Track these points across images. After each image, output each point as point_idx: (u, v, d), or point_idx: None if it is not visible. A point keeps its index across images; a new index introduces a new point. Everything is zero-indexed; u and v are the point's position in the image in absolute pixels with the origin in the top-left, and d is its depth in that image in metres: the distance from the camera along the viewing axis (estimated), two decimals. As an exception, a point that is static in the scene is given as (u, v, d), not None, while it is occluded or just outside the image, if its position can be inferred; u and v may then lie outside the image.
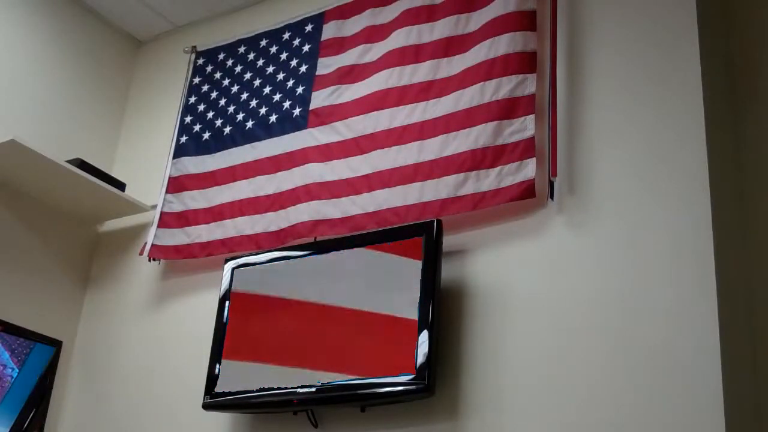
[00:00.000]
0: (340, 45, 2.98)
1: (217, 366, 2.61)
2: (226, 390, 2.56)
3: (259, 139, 3.01)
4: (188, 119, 3.26)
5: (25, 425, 2.88)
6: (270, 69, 3.13)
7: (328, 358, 2.41)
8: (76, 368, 3.18)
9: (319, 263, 2.56)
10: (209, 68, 3.32)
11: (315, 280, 2.54)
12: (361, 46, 2.91)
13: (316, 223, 2.71)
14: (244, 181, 2.96)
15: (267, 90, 3.09)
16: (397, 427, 2.35)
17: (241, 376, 2.55)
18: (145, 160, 3.42)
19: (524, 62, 2.51)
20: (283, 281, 2.61)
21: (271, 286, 2.63)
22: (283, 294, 2.59)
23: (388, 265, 2.41)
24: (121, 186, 3.18)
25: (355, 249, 2.49)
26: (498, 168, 2.42)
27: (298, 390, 2.42)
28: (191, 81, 3.35)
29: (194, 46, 3.42)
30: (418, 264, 2.35)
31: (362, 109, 2.79)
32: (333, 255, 2.54)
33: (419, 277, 2.34)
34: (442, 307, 2.35)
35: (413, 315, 2.30)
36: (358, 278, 2.46)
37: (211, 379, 2.61)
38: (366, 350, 2.36)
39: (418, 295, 2.32)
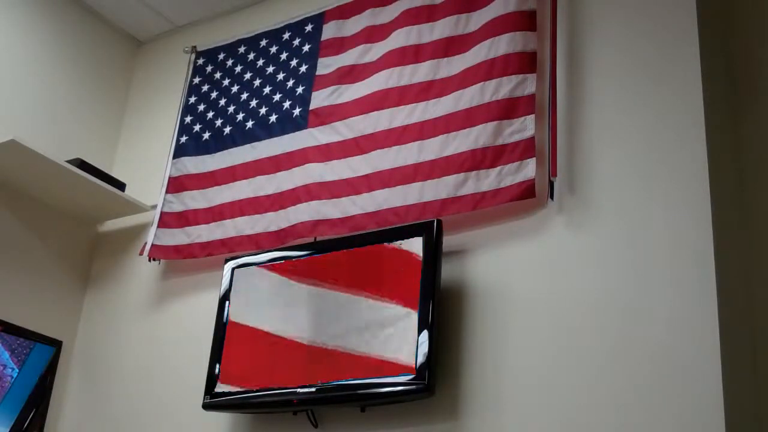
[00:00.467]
0: (340, 45, 2.98)
1: (217, 366, 2.61)
2: (226, 390, 2.56)
3: (259, 139, 3.00)
4: (188, 119, 3.26)
5: (25, 425, 2.88)
6: (270, 69, 3.13)
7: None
8: (76, 368, 3.18)
9: (315, 293, 2.54)
10: (209, 68, 3.32)
11: (311, 315, 2.51)
12: (361, 46, 2.91)
13: (316, 223, 2.71)
14: (244, 181, 2.96)
15: (267, 90, 3.09)
16: (397, 427, 2.35)
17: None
18: (145, 160, 3.42)
19: (524, 62, 2.51)
20: (279, 313, 2.57)
21: (268, 319, 2.59)
22: (279, 331, 2.55)
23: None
24: (121, 186, 3.18)
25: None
26: (498, 168, 2.42)
27: (298, 390, 2.42)
28: (191, 81, 3.35)
29: (194, 46, 3.42)
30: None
31: (362, 109, 2.79)
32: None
33: (419, 277, 2.34)
34: (442, 307, 2.35)
35: (411, 361, 2.28)
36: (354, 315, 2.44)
37: (211, 379, 2.61)
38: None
39: (418, 295, 2.32)
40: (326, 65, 2.97)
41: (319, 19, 3.08)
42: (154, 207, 3.16)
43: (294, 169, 2.85)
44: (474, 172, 2.45)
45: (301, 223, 2.75)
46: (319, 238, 2.69)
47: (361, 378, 2.33)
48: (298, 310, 2.53)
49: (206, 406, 2.59)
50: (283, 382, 2.46)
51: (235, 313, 2.66)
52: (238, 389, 2.53)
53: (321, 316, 2.48)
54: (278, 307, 2.58)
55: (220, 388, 2.57)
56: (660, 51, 2.35)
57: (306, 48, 3.06)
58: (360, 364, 2.35)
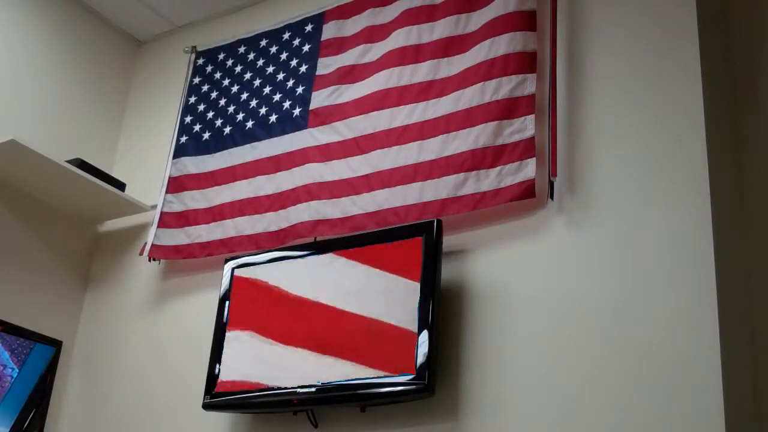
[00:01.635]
0: (340, 45, 2.98)
1: (217, 366, 2.61)
2: (226, 390, 2.56)
3: (259, 139, 3.00)
4: (188, 119, 3.26)
5: (25, 425, 2.88)
6: (270, 69, 3.13)
7: (329, 343, 2.42)
8: (76, 368, 3.18)
9: (318, 264, 2.57)
10: (209, 68, 3.32)
11: (315, 280, 2.55)
12: (361, 46, 2.91)
13: (316, 223, 2.71)
14: (244, 181, 2.96)
15: (267, 90, 3.09)
16: (397, 427, 2.35)
17: (243, 350, 2.57)
18: (145, 160, 3.42)
19: (524, 62, 2.50)
20: (283, 277, 2.62)
21: (273, 278, 2.64)
22: (284, 287, 2.60)
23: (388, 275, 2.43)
24: (121, 186, 3.18)
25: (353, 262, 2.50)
26: (498, 168, 2.42)
27: (298, 390, 2.42)
28: (191, 81, 3.35)
29: (194, 46, 3.42)
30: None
31: (362, 109, 2.79)
32: (330, 257, 2.55)
33: (419, 277, 2.34)
34: (442, 307, 2.35)
35: (413, 327, 2.30)
36: (358, 280, 2.47)
37: (211, 379, 2.61)
38: (367, 341, 2.38)
39: (418, 296, 2.32)
40: (326, 65, 2.97)
41: (319, 19, 3.08)
42: (154, 207, 3.16)
43: (294, 169, 2.85)
44: (474, 172, 2.45)
45: (301, 223, 2.75)
46: (319, 238, 2.69)
47: (361, 378, 2.33)
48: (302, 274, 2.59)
49: (206, 406, 2.59)
50: (289, 335, 2.51)
51: (241, 270, 2.72)
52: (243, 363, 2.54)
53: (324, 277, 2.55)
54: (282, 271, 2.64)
55: (230, 334, 2.62)
56: (660, 51, 2.35)
57: (306, 48, 3.06)
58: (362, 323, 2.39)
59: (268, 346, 2.53)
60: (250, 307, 2.64)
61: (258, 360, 2.54)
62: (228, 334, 2.63)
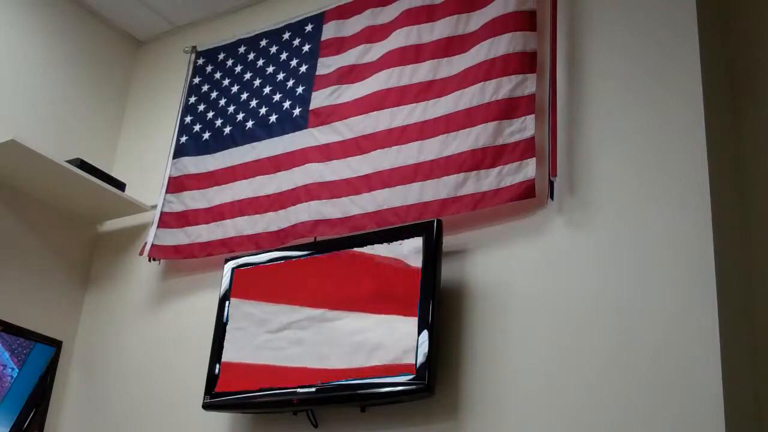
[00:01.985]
0: (340, 45, 2.98)
1: (217, 366, 2.61)
2: (226, 390, 2.56)
3: (259, 139, 3.01)
4: (188, 119, 3.26)
5: (25, 425, 2.88)
6: (270, 69, 3.13)
7: (333, 297, 2.47)
8: (76, 368, 3.18)
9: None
10: (209, 68, 3.32)
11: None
12: (361, 46, 2.91)
13: (316, 223, 2.71)
14: (244, 181, 2.96)
15: (267, 90, 3.09)
16: (397, 427, 2.35)
17: (247, 319, 2.61)
18: (145, 160, 3.42)
19: (524, 62, 2.51)
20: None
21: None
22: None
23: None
24: (121, 186, 3.18)
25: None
26: (498, 168, 2.42)
27: (298, 390, 2.42)
28: (191, 81, 3.35)
29: (194, 46, 3.42)
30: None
31: (362, 109, 2.79)
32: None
33: (419, 277, 2.34)
34: (442, 307, 2.35)
35: (417, 263, 2.35)
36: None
37: (211, 379, 2.61)
38: (369, 291, 2.43)
39: (418, 294, 2.32)
40: (326, 65, 2.97)
41: (319, 19, 3.08)
42: (154, 207, 3.16)
43: (294, 169, 2.85)
44: (474, 172, 2.45)
45: (301, 223, 2.75)
46: (319, 238, 2.69)
47: (361, 378, 2.33)
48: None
49: (206, 406, 2.59)
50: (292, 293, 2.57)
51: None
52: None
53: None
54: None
55: (233, 306, 2.68)
56: (660, 51, 2.35)
57: (306, 48, 3.06)
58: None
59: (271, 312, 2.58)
60: (254, 280, 2.68)
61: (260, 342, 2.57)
62: (231, 301, 2.68)
